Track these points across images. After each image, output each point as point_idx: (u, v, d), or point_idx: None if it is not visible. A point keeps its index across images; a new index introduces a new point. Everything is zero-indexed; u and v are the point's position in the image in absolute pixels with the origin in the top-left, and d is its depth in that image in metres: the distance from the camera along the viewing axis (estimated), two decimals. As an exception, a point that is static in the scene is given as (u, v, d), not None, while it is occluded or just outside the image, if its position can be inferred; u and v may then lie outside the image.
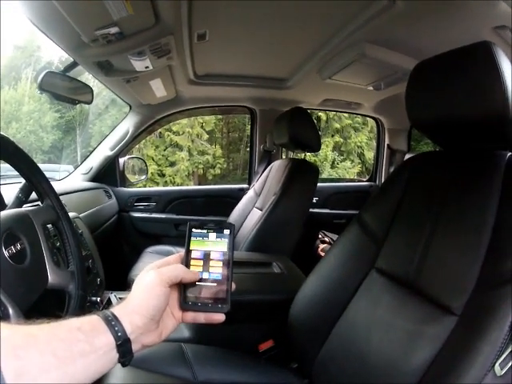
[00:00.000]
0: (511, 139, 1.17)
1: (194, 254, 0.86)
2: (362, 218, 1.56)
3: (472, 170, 1.25)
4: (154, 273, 0.77)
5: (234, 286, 0.85)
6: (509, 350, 0.89)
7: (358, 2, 1.84)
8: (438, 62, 1.26)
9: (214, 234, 0.87)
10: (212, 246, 0.86)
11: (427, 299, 1.17)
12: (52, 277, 1.15)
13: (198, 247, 0.86)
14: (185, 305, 0.82)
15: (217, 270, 0.85)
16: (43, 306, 1.10)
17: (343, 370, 1.32)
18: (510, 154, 1.19)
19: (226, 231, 0.88)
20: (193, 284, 0.83)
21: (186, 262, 0.85)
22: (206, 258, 0.86)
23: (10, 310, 0.91)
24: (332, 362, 1.39)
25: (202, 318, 0.83)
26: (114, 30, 1.77)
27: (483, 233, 1.09)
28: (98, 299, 1.65)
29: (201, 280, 0.84)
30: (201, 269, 0.85)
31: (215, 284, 0.84)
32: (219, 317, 0.83)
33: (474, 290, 1.05)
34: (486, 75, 1.09)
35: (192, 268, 0.84)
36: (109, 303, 1.76)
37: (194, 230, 0.88)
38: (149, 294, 0.75)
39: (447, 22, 1.87)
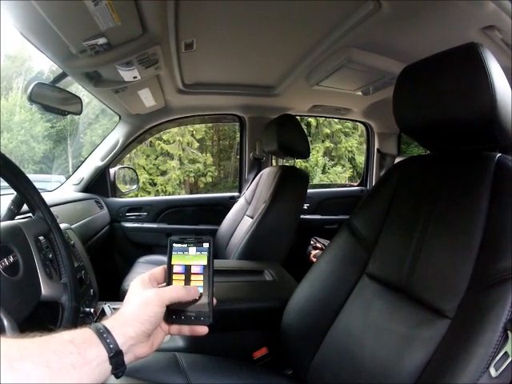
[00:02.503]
0: (500, 140, 1.18)
1: (175, 269, 0.88)
2: (351, 224, 1.56)
3: (461, 172, 1.25)
4: (154, 292, 0.79)
5: (215, 300, 0.87)
6: (503, 350, 0.89)
7: (344, 7, 1.85)
8: (425, 66, 1.27)
9: (194, 248, 0.89)
10: (192, 260, 0.88)
11: (420, 303, 1.18)
12: (45, 289, 1.15)
13: (179, 262, 0.88)
14: (169, 318, 0.84)
15: (198, 283, 0.87)
16: (35, 319, 1.11)
17: (337, 376, 1.32)
18: (499, 155, 1.19)
19: (206, 245, 0.89)
20: None
21: (169, 276, 0.87)
22: (187, 272, 0.87)
23: (5, 323, 0.92)
24: (326, 367, 1.39)
25: (186, 330, 0.85)
26: (101, 40, 1.77)
27: (474, 235, 1.09)
28: (92, 310, 1.65)
29: None
30: (182, 283, 0.86)
31: (197, 297, 0.85)
32: (202, 329, 0.85)
33: (466, 293, 1.05)
34: (474, 77, 1.09)
35: (174, 282, 0.86)
36: (102, 314, 1.76)
37: (174, 245, 0.90)
38: (145, 310, 0.76)
39: (434, 25, 1.87)
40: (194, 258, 0.88)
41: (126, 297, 0.80)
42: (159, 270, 0.88)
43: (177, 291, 0.82)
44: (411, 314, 1.18)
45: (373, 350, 1.24)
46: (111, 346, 0.69)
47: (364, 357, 1.25)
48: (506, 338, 0.90)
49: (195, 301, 0.85)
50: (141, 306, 0.77)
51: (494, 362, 0.89)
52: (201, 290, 0.86)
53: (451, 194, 1.23)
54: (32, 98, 2.22)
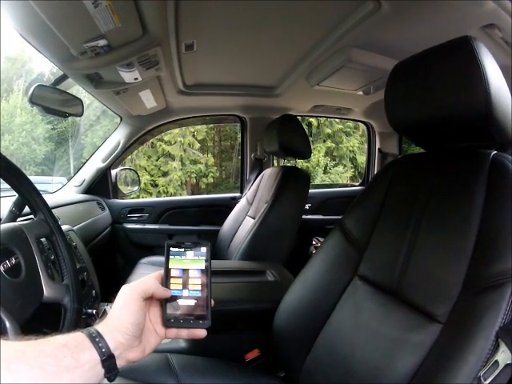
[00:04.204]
0: (496, 137, 1.15)
1: (173, 273, 0.89)
2: (343, 224, 1.55)
3: (456, 171, 1.23)
4: (128, 288, 0.81)
5: (213, 302, 0.88)
6: (494, 359, 0.87)
7: (343, 7, 1.85)
8: (417, 61, 1.25)
9: (192, 252, 0.91)
10: (190, 264, 0.89)
11: (411, 306, 1.16)
12: (47, 290, 1.16)
13: (176, 265, 0.89)
14: (167, 322, 0.85)
15: (196, 287, 0.88)
16: (36, 321, 1.11)
17: (328, 379, 1.32)
18: (494, 152, 1.16)
19: (203, 249, 0.91)
20: (174, 301, 0.86)
21: (166, 280, 0.88)
22: (185, 275, 0.89)
23: (8, 324, 0.92)
24: (317, 370, 1.39)
25: (184, 333, 0.87)
26: (102, 42, 1.77)
27: (468, 235, 1.07)
28: (94, 311, 1.65)
29: (181, 297, 0.87)
30: (180, 287, 0.88)
31: (195, 301, 0.87)
32: (201, 332, 0.86)
33: (458, 297, 1.03)
34: (467, 71, 1.06)
35: (172, 286, 0.87)
36: (104, 315, 1.76)
37: (171, 249, 0.91)
38: (126, 311, 0.78)
39: (434, 23, 1.86)
40: (192, 262, 0.90)
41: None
42: (154, 276, 0.88)
43: (148, 282, 0.84)
44: (402, 318, 1.17)
45: (363, 352, 1.23)
46: (103, 349, 0.71)
47: (354, 359, 1.24)
48: (498, 346, 0.88)
49: (194, 304, 0.86)
50: (121, 307, 0.79)
51: (484, 370, 0.87)
52: (199, 294, 0.87)
53: (445, 193, 1.21)
54: (33, 100, 2.22)
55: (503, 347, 0.87)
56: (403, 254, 1.24)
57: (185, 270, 0.89)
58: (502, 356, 0.87)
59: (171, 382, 1.39)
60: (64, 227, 1.65)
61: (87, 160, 3.67)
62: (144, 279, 0.85)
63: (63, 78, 2.32)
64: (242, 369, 1.61)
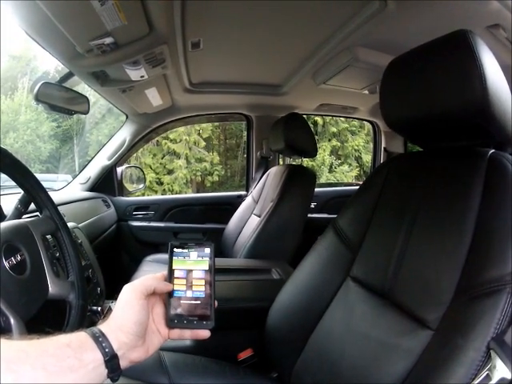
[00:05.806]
0: (495, 135, 1.12)
1: (176, 274, 0.89)
2: (336, 224, 1.53)
3: (452, 170, 1.20)
4: (129, 288, 0.81)
5: (216, 303, 0.88)
6: (485, 372, 0.82)
7: (349, 6, 1.85)
8: (413, 57, 1.22)
9: (196, 253, 0.90)
10: (194, 264, 0.89)
11: (402, 311, 1.14)
12: (52, 287, 1.16)
13: (180, 266, 0.89)
14: (171, 322, 0.85)
15: (199, 288, 0.88)
16: (37, 321, 1.11)
17: (318, 381, 1.31)
18: (492, 151, 1.13)
19: (207, 249, 0.91)
20: (177, 302, 0.86)
21: (170, 281, 0.88)
22: (189, 276, 0.88)
23: (12, 321, 0.92)
24: (307, 372, 1.38)
25: (187, 334, 0.86)
26: (108, 40, 1.77)
27: (463, 237, 1.04)
28: (99, 308, 1.66)
29: (185, 298, 0.87)
30: (184, 287, 0.88)
31: (199, 302, 0.87)
32: (204, 333, 0.86)
33: (451, 303, 1.00)
34: (463, 65, 1.02)
35: (176, 287, 0.87)
36: (109, 312, 1.76)
37: (175, 249, 0.91)
38: (128, 310, 0.78)
39: (439, 23, 1.81)
40: (196, 262, 0.89)
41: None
42: (158, 276, 0.88)
43: (149, 279, 0.84)
44: (394, 322, 1.15)
45: (352, 357, 1.22)
46: (107, 350, 0.71)
47: (343, 362, 1.23)
48: (489, 358, 0.84)
49: (198, 305, 0.87)
50: (124, 307, 0.79)
51: (475, 383, 0.82)
52: (202, 295, 0.87)
53: (440, 193, 1.18)
54: (39, 98, 2.22)
55: (495, 359, 0.82)
56: (396, 256, 1.22)
57: (188, 271, 0.89)
58: (494, 368, 0.82)
59: (163, 380, 1.39)
60: (69, 224, 1.64)
61: (93, 158, 3.69)
62: (145, 277, 0.85)
63: (69, 75, 2.32)
64: (233, 369, 1.57)
